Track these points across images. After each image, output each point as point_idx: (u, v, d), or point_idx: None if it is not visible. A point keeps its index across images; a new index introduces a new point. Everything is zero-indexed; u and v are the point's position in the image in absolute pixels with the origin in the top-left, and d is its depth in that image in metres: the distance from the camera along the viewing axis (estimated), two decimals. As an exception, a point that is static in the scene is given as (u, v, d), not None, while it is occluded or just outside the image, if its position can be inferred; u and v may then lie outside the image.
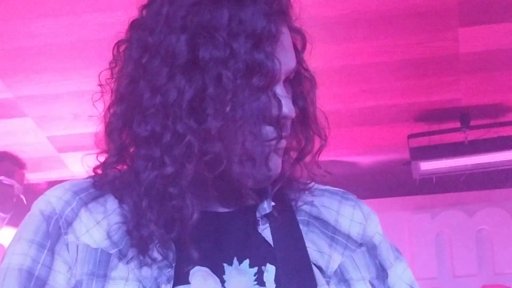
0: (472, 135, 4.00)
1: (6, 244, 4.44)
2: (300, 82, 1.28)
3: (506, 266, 4.46)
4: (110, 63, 1.26)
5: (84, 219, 1.22)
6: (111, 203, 1.24)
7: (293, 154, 1.29)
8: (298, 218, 1.29)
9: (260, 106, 1.16)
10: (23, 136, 4.10)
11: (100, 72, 1.26)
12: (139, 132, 1.18)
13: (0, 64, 3.47)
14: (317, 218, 1.31)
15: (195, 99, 1.15)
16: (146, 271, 1.17)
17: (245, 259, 1.21)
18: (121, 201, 1.23)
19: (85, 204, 1.23)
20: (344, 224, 1.31)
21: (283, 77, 1.21)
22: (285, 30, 1.22)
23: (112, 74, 1.26)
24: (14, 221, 4.32)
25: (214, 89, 1.14)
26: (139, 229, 1.17)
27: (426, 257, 4.49)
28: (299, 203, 1.31)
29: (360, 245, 1.30)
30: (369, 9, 3.19)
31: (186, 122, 1.15)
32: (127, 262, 1.18)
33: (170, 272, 1.17)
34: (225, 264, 1.20)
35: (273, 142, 1.19)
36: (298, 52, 1.27)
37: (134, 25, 1.25)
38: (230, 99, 1.14)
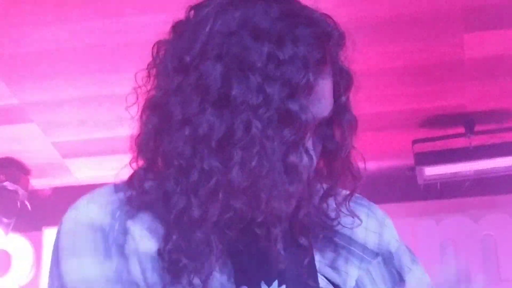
0: (476, 140, 3.99)
1: (10, 250, 4.45)
2: (335, 126, 1.19)
3: (512, 271, 4.45)
4: (148, 64, 1.18)
5: (136, 234, 1.15)
6: (143, 223, 1.16)
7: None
8: (312, 233, 1.21)
9: (290, 161, 1.08)
10: (28, 142, 4.09)
11: (136, 73, 1.19)
12: (168, 158, 1.11)
13: (6, 70, 3.48)
14: (331, 229, 1.24)
15: (224, 138, 1.07)
16: None
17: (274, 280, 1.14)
18: (154, 218, 1.15)
19: (125, 221, 1.16)
20: (359, 233, 1.26)
21: (313, 128, 1.13)
22: (323, 76, 1.13)
23: (149, 74, 1.18)
24: (18, 227, 4.32)
25: (243, 135, 1.06)
26: (170, 255, 1.11)
27: (431, 263, 4.47)
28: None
29: (376, 255, 1.25)
30: (374, 15, 3.19)
31: (213, 162, 1.07)
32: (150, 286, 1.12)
33: None
34: (262, 282, 1.14)
35: (293, 191, 1.10)
36: (340, 94, 1.18)
37: (177, 29, 1.17)
38: (257, 152, 1.06)
